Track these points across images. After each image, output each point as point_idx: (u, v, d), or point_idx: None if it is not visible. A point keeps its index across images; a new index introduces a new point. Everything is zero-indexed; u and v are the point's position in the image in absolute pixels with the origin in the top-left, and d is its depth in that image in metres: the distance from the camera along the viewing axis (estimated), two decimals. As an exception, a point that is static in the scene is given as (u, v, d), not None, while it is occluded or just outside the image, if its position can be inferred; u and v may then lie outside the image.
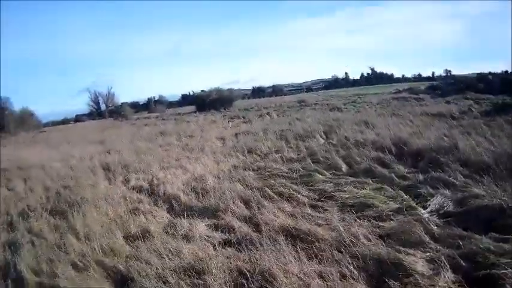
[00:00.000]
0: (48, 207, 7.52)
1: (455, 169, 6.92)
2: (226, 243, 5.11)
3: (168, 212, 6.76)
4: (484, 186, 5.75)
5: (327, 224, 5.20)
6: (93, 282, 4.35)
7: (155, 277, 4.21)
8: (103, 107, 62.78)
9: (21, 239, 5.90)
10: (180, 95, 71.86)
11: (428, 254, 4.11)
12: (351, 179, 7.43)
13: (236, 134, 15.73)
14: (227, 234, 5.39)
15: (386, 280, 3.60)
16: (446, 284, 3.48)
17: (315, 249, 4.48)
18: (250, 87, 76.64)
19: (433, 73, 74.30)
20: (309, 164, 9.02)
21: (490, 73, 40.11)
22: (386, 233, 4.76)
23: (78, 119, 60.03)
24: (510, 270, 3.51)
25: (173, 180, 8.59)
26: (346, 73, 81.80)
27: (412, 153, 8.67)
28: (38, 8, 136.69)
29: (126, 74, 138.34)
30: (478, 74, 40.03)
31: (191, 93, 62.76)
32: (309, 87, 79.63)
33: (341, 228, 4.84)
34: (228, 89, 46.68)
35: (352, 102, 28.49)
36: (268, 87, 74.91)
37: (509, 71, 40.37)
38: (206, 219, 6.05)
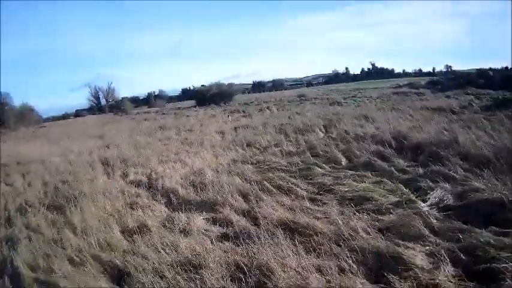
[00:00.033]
0: (46, 202, 7.48)
1: (455, 163, 6.86)
2: (224, 237, 5.07)
3: (166, 206, 6.71)
4: (484, 180, 5.69)
5: (326, 218, 5.15)
6: (90, 278, 4.31)
7: (152, 272, 4.16)
8: (103, 101, 62.69)
9: (19, 234, 5.86)
10: (180, 90, 71.70)
11: (427, 247, 4.06)
12: (350, 172, 7.38)
13: (236, 128, 15.72)
14: (225, 228, 5.34)
15: (386, 274, 3.55)
16: (446, 278, 3.42)
17: (314, 243, 4.43)
18: (251, 82, 76.51)
19: (433, 68, 74.22)
20: (308, 157, 8.99)
21: (490, 69, 40.02)
22: (385, 227, 4.71)
23: (78, 114, 60.09)
24: (510, 264, 3.45)
25: (172, 174, 8.56)
26: (346, 68, 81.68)
27: (412, 147, 8.62)
28: (39, 5, 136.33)
29: (127, 70, 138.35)
30: (478, 69, 39.83)
31: (191, 87, 62.61)
32: (309, 82, 79.55)
33: (340, 222, 4.79)
34: (228, 84, 46.80)
35: (352, 96, 28.43)
36: (268, 81, 74.82)
37: (509, 67, 40.19)
38: (204, 213, 6.01)
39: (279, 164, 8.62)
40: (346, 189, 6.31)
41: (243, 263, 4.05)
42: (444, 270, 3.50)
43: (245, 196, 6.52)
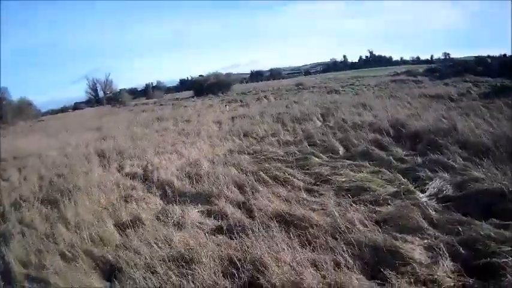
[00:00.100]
0: (40, 196, 7.39)
1: (454, 151, 6.77)
2: (218, 230, 4.99)
3: (161, 199, 6.66)
4: (484, 170, 5.60)
5: (322, 209, 5.08)
6: (81, 274, 4.23)
7: (144, 267, 4.09)
8: (101, 94, 62.32)
9: (12, 230, 5.80)
10: (179, 80, 71.29)
11: (426, 241, 3.95)
12: (348, 162, 7.30)
13: (233, 118, 15.67)
14: (220, 221, 5.28)
15: (382, 270, 3.45)
16: (444, 274, 3.32)
17: (309, 236, 4.35)
18: (249, 71, 76.12)
19: (431, 56, 73.39)
20: (305, 147, 8.92)
21: (488, 56, 39.63)
22: (383, 218, 4.63)
23: (76, 106, 59.59)
24: (511, 259, 3.36)
25: (167, 165, 8.49)
26: (344, 56, 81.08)
27: (410, 135, 8.53)
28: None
29: (125, 61, 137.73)
30: (476, 57, 39.54)
31: (189, 78, 62.21)
32: (307, 71, 79.05)
33: (336, 214, 4.69)
34: (226, 73, 46.49)
35: (350, 84, 28.25)
36: (266, 71, 74.38)
37: (508, 54, 39.93)
38: (199, 205, 5.94)
39: (275, 154, 8.54)
40: (344, 180, 6.22)
41: (237, 257, 3.96)
42: (443, 265, 3.41)
43: (241, 187, 6.45)
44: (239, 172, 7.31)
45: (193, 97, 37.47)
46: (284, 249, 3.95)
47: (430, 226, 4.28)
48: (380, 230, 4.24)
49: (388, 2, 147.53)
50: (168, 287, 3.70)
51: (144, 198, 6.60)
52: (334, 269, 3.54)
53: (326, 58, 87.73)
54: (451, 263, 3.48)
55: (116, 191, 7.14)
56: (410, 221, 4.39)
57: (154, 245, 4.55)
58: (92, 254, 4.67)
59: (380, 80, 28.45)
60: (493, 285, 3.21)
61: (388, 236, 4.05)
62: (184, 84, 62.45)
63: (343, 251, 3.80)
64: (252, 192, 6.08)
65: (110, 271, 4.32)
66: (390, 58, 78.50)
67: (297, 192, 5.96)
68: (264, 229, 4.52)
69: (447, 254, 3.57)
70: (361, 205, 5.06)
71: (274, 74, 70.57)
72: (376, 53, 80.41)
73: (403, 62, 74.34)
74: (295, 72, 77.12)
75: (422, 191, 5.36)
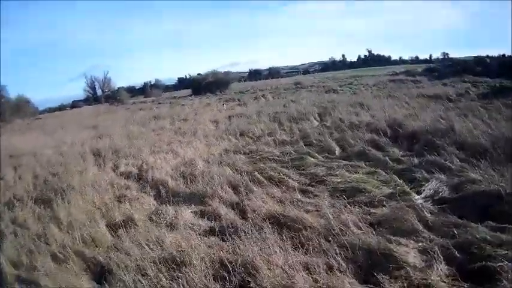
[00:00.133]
0: (34, 195, 7.32)
1: (451, 152, 6.73)
2: (211, 231, 4.94)
3: (155, 199, 6.60)
4: (481, 171, 5.56)
5: (316, 211, 5.02)
6: (71, 275, 4.17)
7: (134, 269, 4.02)
8: (99, 92, 62.11)
9: (5, 229, 5.75)
10: (177, 79, 71.12)
11: (421, 244, 3.90)
12: (344, 162, 7.26)
13: (230, 117, 15.62)
14: (213, 222, 5.22)
15: (375, 273, 3.39)
16: (439, 278, 3.26)
17: (302, 238, 4.29)
18: (248, 70, 75.99)
19: (430, 56, 73.33)
20: (301, 146, 8.87)
21: (487, 56, 39.62)
22: (377, 221, 4.57)
23: (74, 104, 59.43)
24: (507, 263, 3.29)
25: (162, 165, 8.43)
26: (343, 55, 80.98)
27: (407, 135, 8.50)
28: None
29: (123, 59, 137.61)
30: (475, 57, 39.52)
31: (187, 76, 62.07)
32: (305, 70, 79.00)
33: (330, 216, 4.63)
34: (224, 72, 46.32)
35: (349, 84, 28.20)
36: (265, 69, 74.29)
37: (508, 54, 39.87)
38: (193, 205, 5.90)
39: (271, 154, 8.49)
40: (339, 180, 6.17)
41: (228, 260, 3.89)
42: (437, 269, 3.35)
43: (235, 188, 6.40)
44: (234, 172, 7.25)
45: (191, 96, 37.39)
46: (276, 251, 3.89)
47: (425, 229, 4.22)
48: (374, 233, 4.20)
49: (388, 2, 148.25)
50: (158, 290, 3.64)
51: (138, 198, 6.54)
52: (326, 273, 3.49)
53: (325, 57, 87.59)
54: (446, 266, 3.43)
55: (110, 190, 7.08)
56: (405, 223, 4.33)
57: (146, 247, 4.48)
58: (83, 255, 4.61)
59: (378, 80, 28.41)
60: (488, 290, 3.16)
61: (382, 238, 4.00)
62: (183, 83, 62.27)
63: (336, 254, 3.75)
64: (246, 192, 6.03)
65: (100, 273, 4.25)
66: (389, 58, 78.41)
67: (291, 193, 5.91)
68: (256, 231, 4.46)
69: (442, 258, 3.51)
70: (356, 207, 5.00)
71: (273, 72, 70.49)
72: (375, 53, 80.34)
73: (402, 61, 74.22)
74: (293, 71, 77.01)
75: (418, 193, 5.30)
